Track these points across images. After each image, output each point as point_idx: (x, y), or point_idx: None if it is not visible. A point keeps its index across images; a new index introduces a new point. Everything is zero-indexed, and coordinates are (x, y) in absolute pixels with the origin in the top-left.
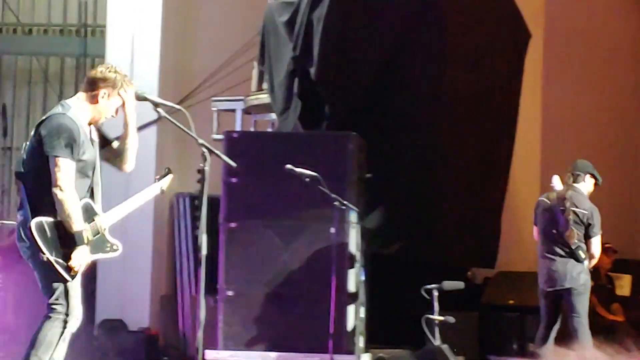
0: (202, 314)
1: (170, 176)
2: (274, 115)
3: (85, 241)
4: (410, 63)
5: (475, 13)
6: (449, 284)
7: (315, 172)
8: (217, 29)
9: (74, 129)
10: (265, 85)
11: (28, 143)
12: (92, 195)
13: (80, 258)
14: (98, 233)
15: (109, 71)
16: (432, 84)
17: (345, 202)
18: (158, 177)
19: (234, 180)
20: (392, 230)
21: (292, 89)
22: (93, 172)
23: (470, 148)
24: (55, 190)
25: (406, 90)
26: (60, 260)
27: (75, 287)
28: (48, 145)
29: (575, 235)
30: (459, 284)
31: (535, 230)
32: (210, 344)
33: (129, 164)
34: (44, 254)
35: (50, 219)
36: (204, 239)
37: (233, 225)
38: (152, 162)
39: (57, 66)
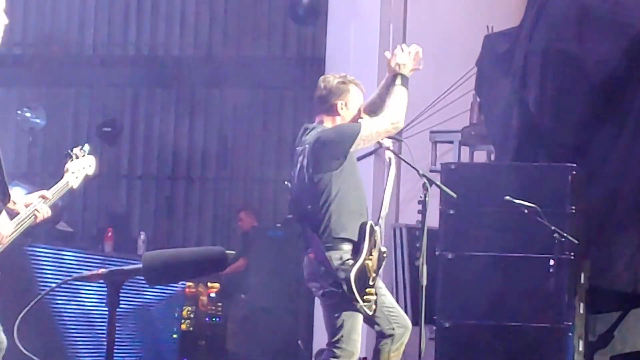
0: (423, 344)
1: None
2: (491, 147)
3: (374, 272)
4: (632, 93)
5: None
6: None
7: (534, 203)
8: (434, 61)
9: None
10: (483, 117)
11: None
12: None
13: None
14: (378, 252)
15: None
16: None
17: (564, 234)
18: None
19: (451, 211)
20: (613, 263)
21: (510, 120)
22: None
23: None
24: None
25: (629, 121)
26: (365, 301)
27: (361, 325)
28: None
29: None
30: None
31: None
32: None
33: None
34: (358, 302)
35: (360, 264)
36: (424, 270)
37: (450, 256)
38: (369, 194)
39: (275, 98)
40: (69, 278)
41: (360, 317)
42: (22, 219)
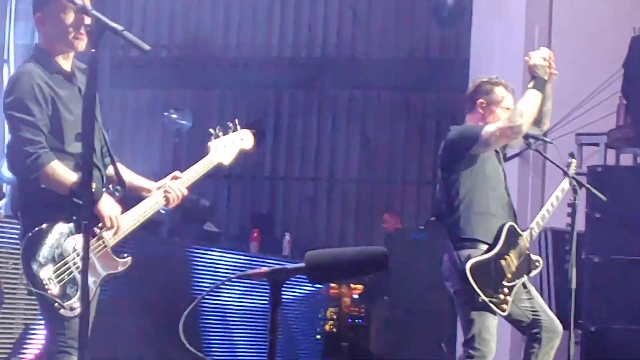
0: (572, 348)
1: (573, 162)
2: (638, 149)
3: (511, 274)
4: None
5: None
6: None
7: None
8: (580, 62)
9: None
10: (630, 119)
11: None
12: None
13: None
14: (522, 255)
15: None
16: None
17: None
18: (567, 168)
19: (597, 215)
20: None
21: None
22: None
23: None
24: None
25: None
26: (494, 299)
27: (494, 325)
28: None
29: None
30: None
31: None
32: None
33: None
34: (479, 295)
35: (483, 257)
36: (573, 273)
37: (596, 260)
38: (513, 197)
39: (418, 100)
40: (233, 276)
41: (491, 316)
42: (152, 203)
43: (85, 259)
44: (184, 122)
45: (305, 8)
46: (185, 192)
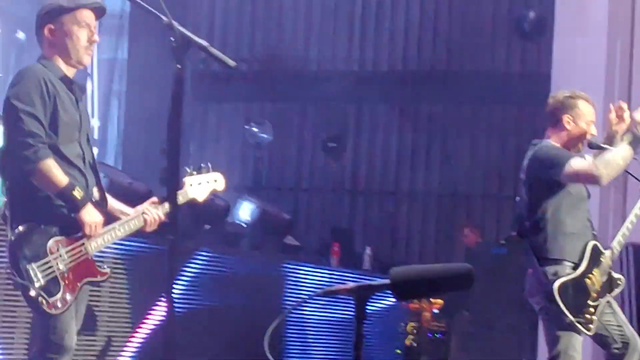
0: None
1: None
2: None
3: (595, 292)
4: None
5: None
6: None
7: None
8: None
9: None
10: None
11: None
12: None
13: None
14: (605, 274)
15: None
16: None
17: None
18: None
19: None
20: None
21: None
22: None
23: None
24: None
25: None
26: (580, 319)
27: (580, 342)
28: None
29: None
30: None
31: None
32: None
33: None
34: (567, 316)
35: (569, 277)
36: None
37: None
38: (595, 214)
39: (499, 114)
40: (319, 291)
41: (577, 335)
42: (128, 220)
43: (170, 273)
44: (265, 135)
45: (386, 22)
46: (163, 217)
